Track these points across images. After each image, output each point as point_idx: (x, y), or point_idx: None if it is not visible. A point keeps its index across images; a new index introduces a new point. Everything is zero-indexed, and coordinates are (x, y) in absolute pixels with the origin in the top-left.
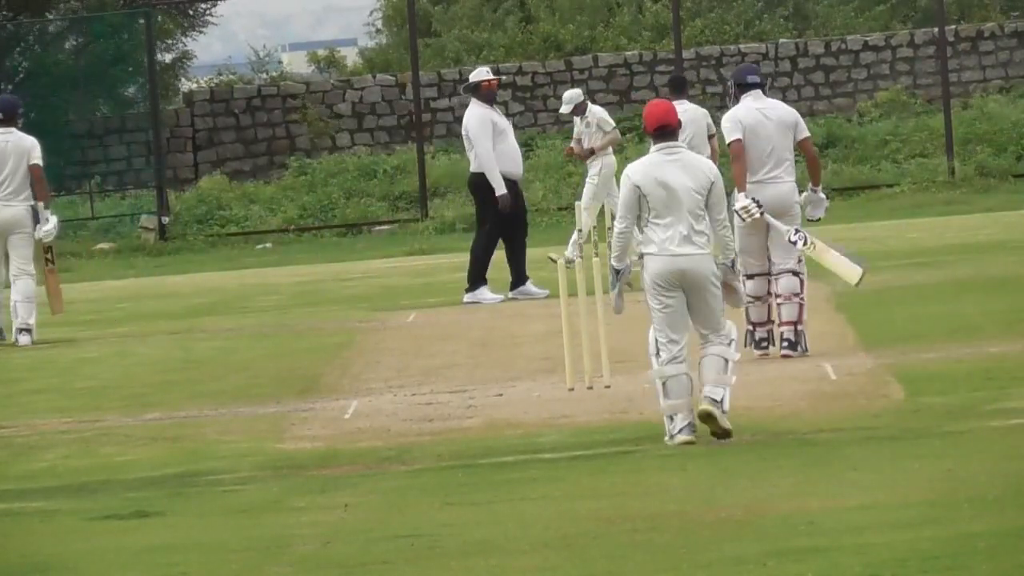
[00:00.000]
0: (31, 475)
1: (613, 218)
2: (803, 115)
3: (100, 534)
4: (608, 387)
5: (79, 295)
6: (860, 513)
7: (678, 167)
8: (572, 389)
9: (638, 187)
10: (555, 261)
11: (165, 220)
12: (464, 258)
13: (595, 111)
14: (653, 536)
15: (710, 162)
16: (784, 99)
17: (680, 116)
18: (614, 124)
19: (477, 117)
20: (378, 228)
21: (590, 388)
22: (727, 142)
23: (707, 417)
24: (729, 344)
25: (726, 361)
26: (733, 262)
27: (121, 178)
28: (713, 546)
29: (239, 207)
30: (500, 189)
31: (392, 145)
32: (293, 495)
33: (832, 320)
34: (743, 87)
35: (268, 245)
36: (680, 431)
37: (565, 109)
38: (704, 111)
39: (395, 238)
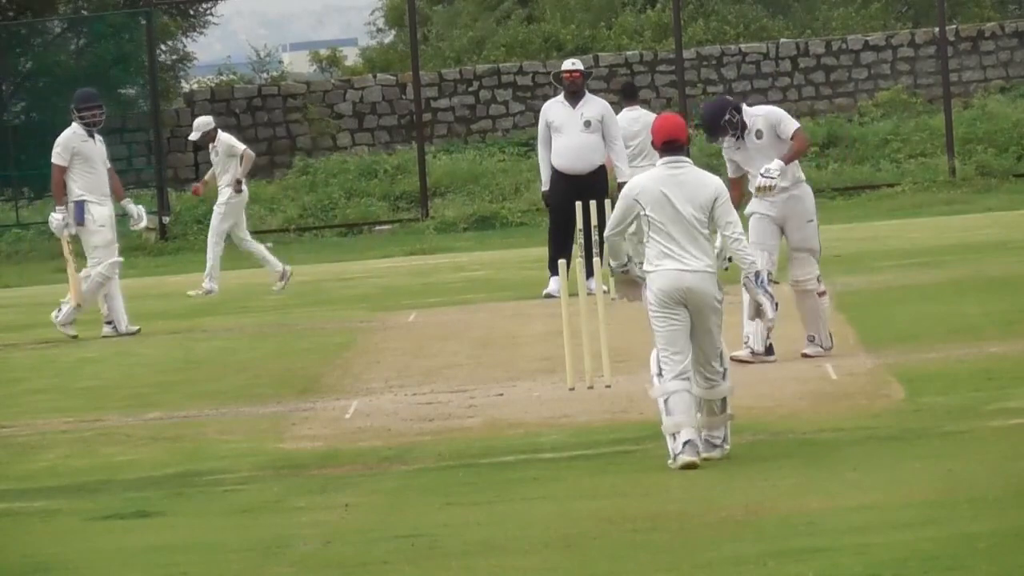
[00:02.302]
0: (31, 475)
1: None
2: (804, 115)
3: (100, 534)
4: (609, 387)
5: None
6: (860, 513)
7: (682, 182)
8: (573, 389)
9: (637, 202)
10: (192, 296)
11: (166, 220)
12: (464, 258)
13: (223, 139)
14: (653, 536)
15: (716, 178)
16: (784, 99)
17: (632, 123)
18: (244, 146)
19: (541, 113)
20: (379, 228)
21: (591, 388)
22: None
23: (709, 459)
24: (724, 375)
25: (723, 399)
26: (758, 275)
27: (122, 178)
28: (713, 546)
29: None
30: (542, 185)
31: (393, 145)
32: (293, 495)
33: (832, 320)
34: (739, 109)
35: (269, 245)
36: (683, 451)
37: (194, 136)
38: (655, 116)
39: (396, 238)
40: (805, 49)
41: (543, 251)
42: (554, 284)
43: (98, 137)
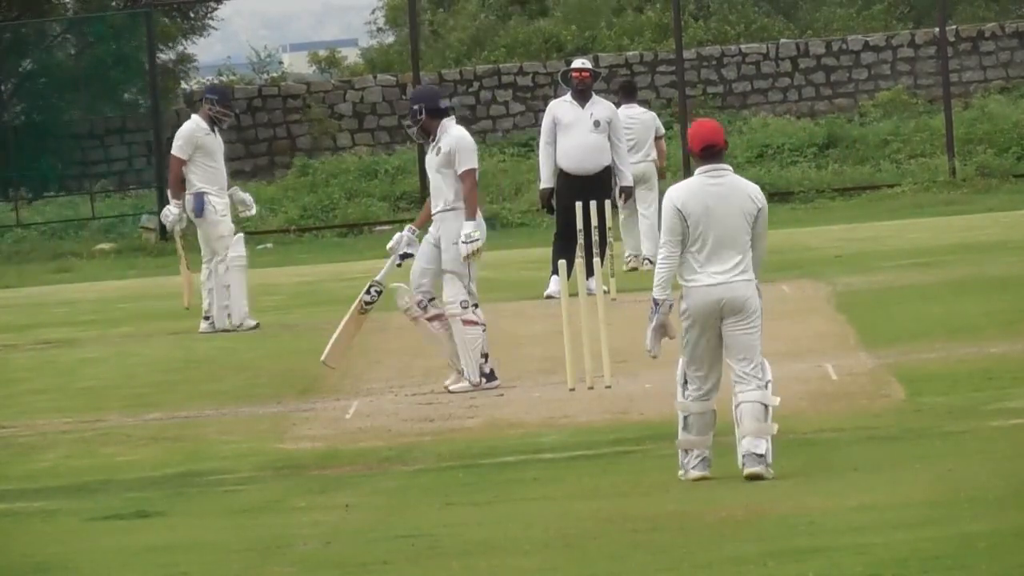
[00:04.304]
0: (32, 475)
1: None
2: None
3: (100, 534)
4: (609, 387)
5: (80, 295)
6: (860, 513)
7: (723, 192)
8: (573, 389)
9: (681, 211)
10: None
11: None
12: None
13: None
14: (653, 536)
15: (757, 187)
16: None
17: (629, 120)
18: None
19: (547, 111)
20: (379, 228)
21: (591, 388)
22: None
23: (754, 478)
24: (767, 386)
25: (766, 407)
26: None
27: (122, 178)
28: (713, 546)
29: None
30: (541, 183)
31: (393, 145)
32: (293, 495)
33: (832, 320)
34: (437, 112)
35: (269, 245)
36: (695, 467)
37: None
38: (653, 115)
39: None
40: (805, 49)
41: (544, 251)
42: (554, 285)
43: (218, 130)
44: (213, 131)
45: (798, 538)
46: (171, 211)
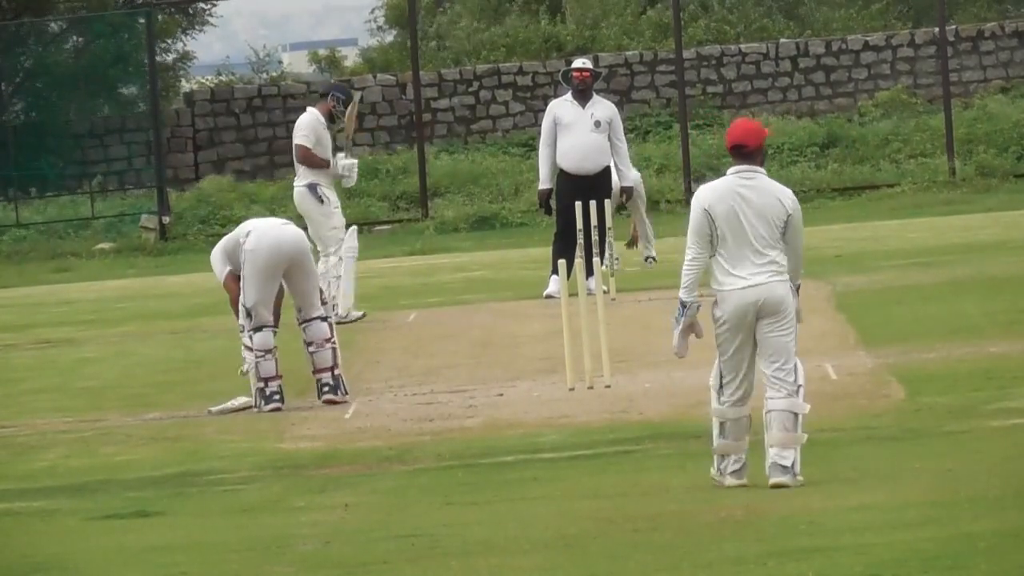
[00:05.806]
0: (31, 475)
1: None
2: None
3: (100, 534)
4: (608, 387)
5: (79, 295)
6: (860, 513)
7: (751, 195)
8: (572, 389)
9: (708, 212)
10: None
11: (166, 220)
12: (464, 258)
13: None
14: (653, 536)
15: (789, 192)
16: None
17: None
18: None
19: (547, 110)
20: (379, 228)
21: (590, 388)
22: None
23: (779, 487)
24: (797, 392)
25: (796, 416)
26: (797, 287)
27: (122, 178)
28: (713, 546)
29: (240, 207)
30: (540, 183)
31: (393, 145)
32: (293, 495)
33: (832, 320)
34: None
35: None
36: (732, 473)
37: None
38: None
39: (396, 238)
40: (805, 49)
41: (543, 251)
42: (554, 285)
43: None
44: (329, 127)
45: (798, 538)
46: (341, 162)
